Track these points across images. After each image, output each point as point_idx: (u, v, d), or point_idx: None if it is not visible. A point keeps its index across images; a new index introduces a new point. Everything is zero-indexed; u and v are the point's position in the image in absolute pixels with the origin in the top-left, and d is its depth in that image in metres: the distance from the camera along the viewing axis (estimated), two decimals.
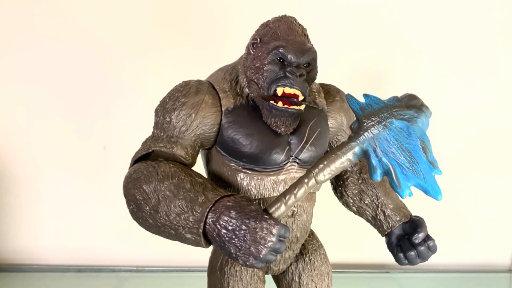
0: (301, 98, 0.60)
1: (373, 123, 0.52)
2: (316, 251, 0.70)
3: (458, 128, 1.33)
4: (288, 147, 0.61)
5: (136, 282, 1.24)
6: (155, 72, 1.20)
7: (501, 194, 1.38)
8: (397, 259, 0.67)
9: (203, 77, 0.67)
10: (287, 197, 0.52)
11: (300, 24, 0.63)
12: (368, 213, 0.71)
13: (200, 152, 0.66)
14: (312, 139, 0.62)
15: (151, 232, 0.57)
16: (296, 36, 0.61)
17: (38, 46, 1.19)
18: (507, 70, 1.33)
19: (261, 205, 0.55)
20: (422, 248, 0.65)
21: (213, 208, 0.51)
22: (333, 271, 0.71)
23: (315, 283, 0.68)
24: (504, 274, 1.41)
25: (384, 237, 0.71)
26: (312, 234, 0.72)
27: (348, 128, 0.68)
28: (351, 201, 0.72)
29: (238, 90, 0.63)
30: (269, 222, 0.49)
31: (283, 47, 0.59)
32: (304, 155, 0.62)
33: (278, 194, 0.56)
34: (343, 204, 0.75)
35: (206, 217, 0.51)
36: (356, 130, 0.53)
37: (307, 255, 0.69)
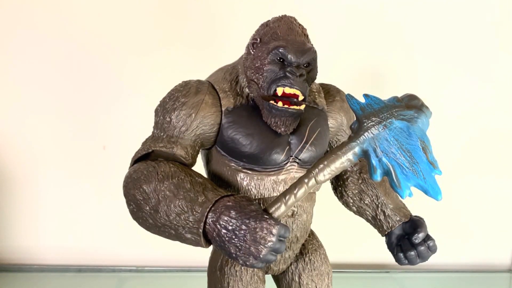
0: (301, 98, 0.60)
1: (373, 123, 0.52)
2: (316, 251, 0.70)
3: (458, 128, 1.33)
4: (288, 147, 0.61)
5: (136, 282, 1.24)
6: (155, 72, 1.20)
7: (501, 194, 1.38)
8: (397, 259, 0.67)
9: (203, 77, 0.67)
10: (287, 197, 0.52)
11: (300, 24, 0.63)
12: (368, 213, 0.71)
13: (200, 152, 0.66)
14: (312, 139, 0.62)
15: (151, 232, 0.57)
16: (296, 36, 0.61)
17: (38, 46, 1.19)
18: (508, 70, 1.33)
19: (261, 205, 0.55)
20: (422, 248, 0.65)
21: (213, 208, 0.51)
22: (333, 271, 0.71)
23: (315, 283, 0.68)
24: (504, 274, 1.41)
25: (384, 237, 0.71)
26: (312, 234, 0.72)
27: (348, 128, 0.68)
28: (351, 201, 0.72)
29: (238, 90, 0.63)
30: (269, 222, 0.49)
31: (283, 47, 0.59)
32: (304, 155, 0.62)
33: (278, 194, 0.56)
34: (343, 204, 0.75)
35: (206, 217, 0.51)
36: (356, 130, 0.53)
37: (307, 255, 0.69)
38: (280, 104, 0.59)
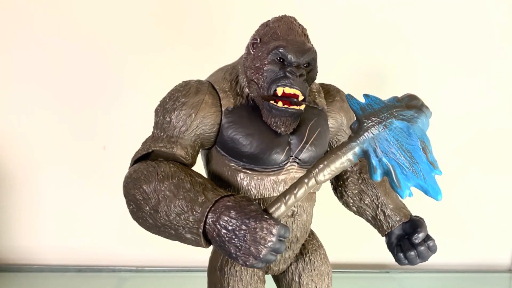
0: (301, 98, 0.60)
1: (373, 123, 0.52)
2: (316, 251, 0.70)
3: (458, 128, 1.33)
4: (288, 147, 0.61)
5: (136, 282, 1.24)
6: (155, 72, 1.20)
7: (501, 194, 1.38)
8: (397, 259, 0.67)
9: (203, 77, 0.67)
10: (287, 197, 0.52)
11: (300, 24, 0.63)
12: (368, 213, 0.71)
13: (200, 152, 0.66)
14: (312, 139, 0.62)
15: (151, 232, 0.57)
16: (296, 36, 0.61)
17: (38, 45, 1.19)
18: (507, 70, 1.33)
19: (261, 205, 0.55)
20: (422, 248, 0.65)
21: (213, 208, 0.51)
22: (333, 271, 0.71)
23: (315, 283, 0.68)
24: (504, 274, 1.41)
25: (384, 237, 0.71)
26: (312, 234, 0.72)
27: (348, 128, 0.69)
28: (351, 201, 0.72)
29: (238, 90, 0.63)
30: (269, 222, 0.49)
31: (283, 47, 0.59)
32: (304, 155, 0.62)
33: (278, 194, 0.56)
34: (343, 204, 0.75)
35: (206, 217, 0.51)
36: (356, 130, 0.53)
37: (307, 255, 0.69)
38: (280, 104, 0.58)
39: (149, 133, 0.63)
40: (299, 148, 0.62)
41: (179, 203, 0.52)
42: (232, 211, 0.50)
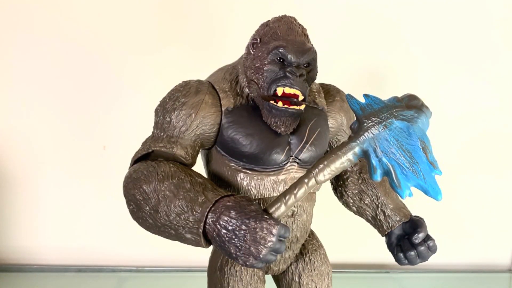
0: (301, 98, 0.60)
1: (373, 123, 0.52)
2: (316, 251, 0.70)
3: (458, 128, 1.33)
4: (288, 147, 0.61)
5: (136, 282, 1.24)
6: (155, 72, 1.20)
7: (501, 194, 1.38)
8: (397, 259, 0.68)
9: (203, 77, 0.67)
10: (287, 197, 0.52)
11: (300, 24, 0.63)
12: (368, 213, 0.71)
13: (200, 152, 0.66)
14: (312, 139, 0.62)
15: (151, 232, 0.57)
16: (296, 36, 0.61)
17: (38, 45, 1.19)
18: (507, 70, 1.33)
19: (261, 205, 0.55)
20: (422, 248, 0.65)
21: (213, 208, 0.51)
22: (333, 271, 0.71)
23: (315, 283, 0.68)
24: (504, 274, 1.41)
25: (384, 237, 0.71)
26: (312, 234, 0.72)
27: (348, 128, 0.69)
28: (351, 201, 0.72)
29: (238, 90, 0.63)
30: (269, 222, 0.49)
31: (283, 47, 0.59)
32: (304, 155, 0.62)
33: (278, 194, 0.56)
34: (343, 204, 0.75)
35: (206, 217, 0.51)
36: (356, 130, 0.53)
37: (307, 255, 0.69)
38: (280, 104, 0.59)
39: (149, 133, 0.63)
40: (299, 148, 0.62)
41: (179, 203, 0.52)
42: (232, 211, 0.50)
